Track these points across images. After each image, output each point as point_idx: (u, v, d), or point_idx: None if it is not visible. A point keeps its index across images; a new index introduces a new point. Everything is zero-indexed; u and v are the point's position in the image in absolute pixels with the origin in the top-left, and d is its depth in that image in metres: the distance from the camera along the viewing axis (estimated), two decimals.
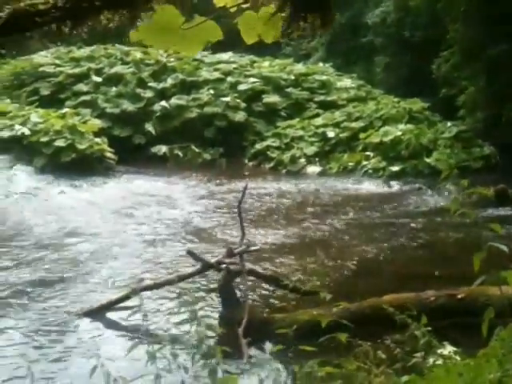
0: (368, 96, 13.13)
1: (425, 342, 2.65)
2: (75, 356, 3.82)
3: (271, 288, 5.17)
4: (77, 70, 12.96)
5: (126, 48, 14.14)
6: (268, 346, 4.02)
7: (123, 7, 1.40)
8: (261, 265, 5.64)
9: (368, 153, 10.54)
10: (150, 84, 12.49)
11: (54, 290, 5.20)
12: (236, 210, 7.61)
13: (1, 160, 10.30)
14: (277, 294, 5.08)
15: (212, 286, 5.00)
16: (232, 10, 1.47)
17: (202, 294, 4.99)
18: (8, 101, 13.27)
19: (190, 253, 4.91)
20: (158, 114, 11.87)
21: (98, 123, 11.06)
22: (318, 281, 4.76)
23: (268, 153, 11.47)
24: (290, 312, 4.43)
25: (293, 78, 13.46)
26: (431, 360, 2.53)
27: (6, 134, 10.71)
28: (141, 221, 7.53)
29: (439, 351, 2.66)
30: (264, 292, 5.17)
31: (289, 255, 6.19)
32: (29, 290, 5.18)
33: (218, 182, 9.99)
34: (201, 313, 4.54)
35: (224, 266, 4.77)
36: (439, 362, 2.41)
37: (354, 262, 5.92)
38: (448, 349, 2.75)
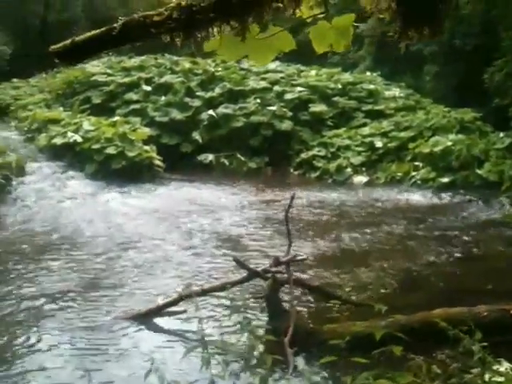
0: (417, 105, 12.91)
1: (479, 358, 2.56)
2: (128, 359, 3.88)
3: (317, 298, 5.12)
4: (127, 80, 13.28)
5: (175, 58, 14.44)
6: (315, 356, 3.97)
7: (235, 19, 1.42)
8: (307, 275, 5.60)
9: (417, 163, 10.34)
10: (198, 93, 12.66)
11: (103, 293, 5.30)
12: (282, 218, 7.68)
13: (54, 166, 10.65)
14: (322, 305, 5.03)
15: (258, 294, 4.98)
16: (308, 20, 1.51)
17: (247, 302, 4.97)
18: (61, 109, 13.75)
19: (237, 261, 4.93)
20: (205, 123, 12.01)
21: (147, 131, 11.28)
22: (366, 293, 4.69)
23: (314, 162, 11.41)
24: (337, 323, 4.37)
25: (340, 86, 13.38)
26: (487, 376, 2.44)
27: (59, 141, 11.08)
28: (187, 227, 7.60)
29: (495, 368, 2.57)
30: (310, 302, 5.12)
31: (335, 266, 6.12)
32: (78, 293, 5.30)
33: (263, 190, 10.00)
34: (244, 321, 4.54)
35: (270, 274, 4.77)
36: (497, 379, 2.32)
37: (403, 275, 5.81)
38: (504, 365, 2.66)
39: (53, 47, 1.57)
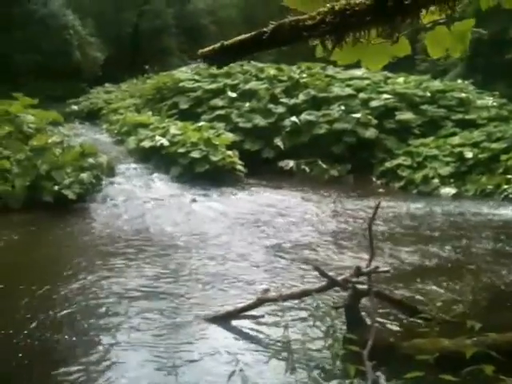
0: (511, 116, 12.25)
1: None
2: (209, 360, 3.91)
3: (398, 312, 4.93)
4: (214, 86, 13.58)
5: (260, 65, 14.59)
6: (396, 371, 3.81)
7: (390, 23, 1.45)
8: (388, 287, 5.41)
9: (509, 176, 9.77)
10: (281, 100, 12.71)
11: (182, 293, 5.39)
12: (363, 228, 7.50)
13: (141, 168, 11.08)
14: (403, 320, 4.83)
15: (337, 304, 4.87)
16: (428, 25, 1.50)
17: (326, 310, 4.88)
18: (150, 113, 14.29)
19: (317, 268, 4.84)
20: (287, 129, 12.02)
21: (230, 137, 11.46)
22: (452, 309, 4.46)
23: (398, 171, 11.08)
24: (420, 338, 4.18)
25: (428, 94, 12.96)
26: None
27: (147, 144, 11.52)
28: (267, 233, 7.61)
29: None
30: (390, 316, 4.93)
31: (418, 280, 5.87)
32: (158, 292, 5.42)
33: (344, 198, 9.84)
34: (324, 330, 4.46)
35: (350, 284, 4.65)
36: None
37: (491, 292, 5.48)
38: None
39: (201, 51, 1.66)
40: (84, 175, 8.89)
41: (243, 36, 1.57)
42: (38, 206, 8.33)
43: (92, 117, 19.10)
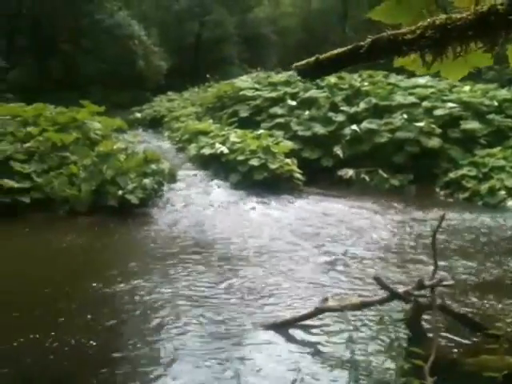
0: None
1: None
2: (271, 369, 3.90)
3: (462, 328, 4.74)
4: (274, 94, 13.64)
5: None
6: None
7: (492, 37, 1.46)
8: (452, 301, 5.22)
9: None
10: (342, 108, 12.59)
11: (237, 300, 5.40)
12: (426, 239, 7.29)
13: (201, 175, 11.25)
14: (468, 335, 4.65)
15: (398, 316, 4.75)
16: None
17: (387, 323, 4.76)
18: (210, 121, 14.52)
19: (377, 279, 4.74)
20: (347, 138, 11.89)
21: (289, 145, 11.45)
22: None
23: (463, 182, 10.72)
24: (484, 355, 4.00)
25: (495, 104, 12.49)
26: None
27: (207, 151, 11.70)
28: (324, 242, 7.52)
29: None
30: (454, 331, 4.76)
31: (484, 295, 5.64)
32: (215, 299, 5.45)
33: (405, 209, 9.60)
34: (386, 342, 4.35)
35: (413, 297, 4.53)
36: None
37: None
38: None
39: (296, 64, 1.72)
40: (147, 181, 9.12)
41: (339, 50, 1.61)
42: (102, 209, 8.61)
43: (155, 124, 19.62)
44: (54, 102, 12.23)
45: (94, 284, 5.70)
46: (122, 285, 5.72)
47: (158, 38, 30.53)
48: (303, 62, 1.68)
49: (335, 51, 1.63)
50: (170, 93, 24.24)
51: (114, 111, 17.47)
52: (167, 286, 5.69)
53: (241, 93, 14.34)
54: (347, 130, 12.00)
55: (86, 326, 4.75)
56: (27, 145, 9.36)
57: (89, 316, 4.94)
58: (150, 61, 27.94)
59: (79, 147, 9.91)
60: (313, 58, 1.65)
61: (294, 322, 4.81)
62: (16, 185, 8.50)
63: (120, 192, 8.75)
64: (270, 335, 4.59)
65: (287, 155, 11.00)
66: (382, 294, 4.76)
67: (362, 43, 1.54)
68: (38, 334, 4.53)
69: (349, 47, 1.58)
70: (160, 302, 5.29)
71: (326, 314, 4.82)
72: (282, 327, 4.76)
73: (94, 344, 4.40)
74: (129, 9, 31.04)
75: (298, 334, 4.64)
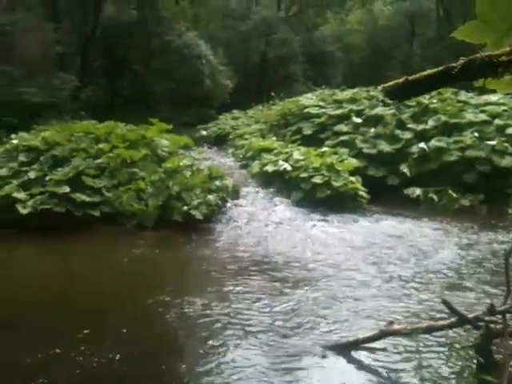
0: None
1: None
2: None
3: None
4: (339, 112, 13.54)
5: None
6: None
7: None
8: None
9: None
10: (409, 125, 12.32)
11: (299, 320, 5.34)
12: (497, 263, 6.96)
13: (264, 192, 11.29)
14: None
15: (466, 342, 4.54)
16: None
17: (455, 348, 4.57)
18: (274, 138, 14.59)
19: (446, 303, 4.55)
20: (414, 156, 11.59)
21: (354, 162, 11.31)
22: None
23: None
24: None
25: None
26: None
27: (270, 168, 11.75)
28: (389, 262, 7.33)
29: None
30: None
31: None
32: (275, 317, 5.41)
33: (475, 230, 9.21)
34: (454, 369, 4.16)
35: (483, 323, 4.32)
36: None
37: None
38: None
39: (384, 85, 1.73)
40: (211, 197, 9.25)
41: (429, 71, 1.59)
42: (168, 224, 8.80)
43: (219, 141, 19.97)
44: (124, 119, 12.69)
45: (151, 298, 5.82)
46: (178, 299, 5.80)
47: (224, 57, 31.19)
48: (392, 82, 1.67)
49: (425, 72, 1.61)
50: (234, 111, 24.65)
51: (181, 129, 17.96)
52: (225, 306, 5.70)
53: (305, 110, 14.33)
54: (414, 148, 11.71)
55: (137, 339, 4.84)
56: (98, 161, 9.74)
57: (137, 330, 5.03)
58: (217, 80, 28.56)
59: (147, 163, 10.21)
60: (401, 79, 1.64)
61: (356, 344, 4.70)
62: (87, 199, 8.85)
63: (185, 207, 8.92)
64: (332, 356, 4.50)
65: (352, 173, 10.85)
66: (451, 318, 4.58)
67: (453, 64, 1.51)
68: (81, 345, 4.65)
69: (440, 68, 1.55)
70: (216, 322, 5.30)
71: (392, 337, 4.69)
72: (344, 349, 4.67)
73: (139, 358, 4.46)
74: (197, 29, 31.96)
75: (361, 356, 4.53)
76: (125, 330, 5.05)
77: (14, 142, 10.30)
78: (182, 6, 34.68)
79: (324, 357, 4.28)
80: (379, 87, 1.75)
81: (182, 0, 35.37)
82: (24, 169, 9.37)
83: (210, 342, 4.83)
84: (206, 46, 28.90)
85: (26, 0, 22.83)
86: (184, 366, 4.47)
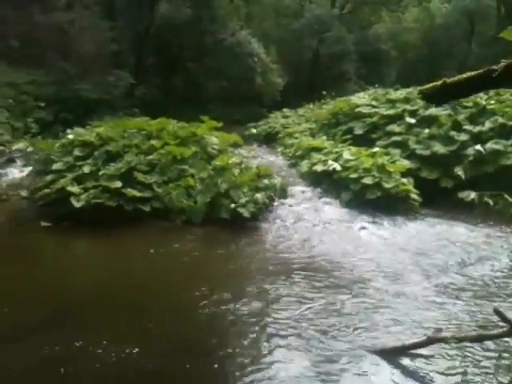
0: None
1: None
2: None
3: None
4: (391, 112, 13.26)
5: None
6: None
7: None
8: None
9: None
10: (465, 127, 11.92)
11: (345, 324, 5.26)
12: None
13: (312, 191, 11.20)
14: None
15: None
16: None
17: (504, 359, 4.39)
18: (324, 138, 14.46)
19: (498, 312, 4.38)
20: (470, 158, 11.20)
21: (406, 164, 11.05)
22: None
23: None
24: None
25: None
26: None
27: (319, 168, 11.64)
28: (440, 268, 7.11)
29: None
30: None
31: None
32: (319, 319, 5.35)
33: None
34: (504, 381, 4.00)
35: None
36: None
37: None
38: None
39: (421, 88, 1.66)
40: (259, 195, 9.25)
41: (468, 74, 1.48)
42: (215, 221, 8.86)
43: (269, 140, 19.97)
44: (176, 117, 12.86)
45: (194, 294, 5.87)
46: (219, 300, 5.80)
47: (276, 56, 31.18)
48: (430, 85, 1.58)
49: (464, 75, 1.49)
50: (285, 109, 24.59)
51: (232, 127, 18.06)
52: (266, 306, 5.68)
53: (357, 110, 14.12)
54: (470, 150, 11.32)
55: (174, 336, 4.87)
56: (150, 157, 9.91)
57: (177, 326, 5.06)
58: (268, 78, 28.60)
59: (197, 161, 10.31)
60: (439, 82, 1.54)
61: (403, 350, 4.59)
62: (138, 194, 9.01)
63: (233, 205, 8.95)
64: (378, 361, 4.42)
65: (403, 174, 10.59)
66: (502, 327, 4.40)
67: (494, 67, 1.38)
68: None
69: (479, 71, 1.43)
70: (256, 322, 5.27)
71: (439, 344, 4.55)
72: (390, 354, 4.57)
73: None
74: (250, 27, 32.07)
75: (407, 362, 4.42)
76: (163, 326, 5.11)
77: (70, 137, 10.60)
78: (236, 5, 34.88)
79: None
80: (417, 90, 1.67)
81: None
82: (79, 163, 9.63)
83: (249, 342, 4.82)
84: (258, 44, 28.99)
85: None
86: (222, 365, 4.47)
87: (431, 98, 1.59)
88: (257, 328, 5.12)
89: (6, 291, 6.04)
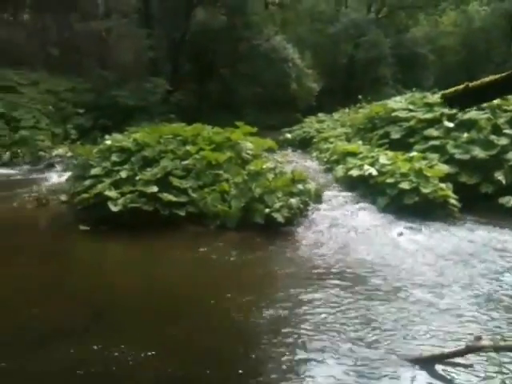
0: None
1: None
2: None
3: None
4: (429, 116, 13.02)
5: None
6: None
7: None
8: None
9: None
10: (505, 131, 11.61)
11: (382, 331, 5.17)
12: None
13: (347, 196, 11.09)
14: None
15: None
16: None
17: None
18: (360, 142, 14.31)
19: None
20: (510, 163, 10.90)
21: (444, 169, 10.81)
22: None
23: None
24: None
25: None
26: None
27: (354, 173, 11.52)
28: (481, 276, 6.91)
29: None
30: None
31: None
32: (354, 328, 5.27)
33: None
34: None
35: None
36: None
37: None
38: None
39: (444, 92, 1.60)
40: (293, 200, 9.21)
41: (492, 77, 1.41)
42: (249, 226, 8.85)
43: (304, 145, 19.90)
44: (211, 122, 12.95)
45: (227, 300, 5.88)
46: (253, 305, 5.78)
47: (311, 60, 31.11)
48: (452, 89, 1.51)
49: (487, 78, 1.41)
50: (320, 114, 24.47)
51: (266, 132, 18.08)
52: (300, 313, 5.63)
53: (393, 114, 13.92)
54: (510, 155, 11.02)
55: (203, 343, 4.85)
56: (185, 162, 9.99)
57: (209, 333, 5.04)
58: (303, 83, 28.55)
59: (231, 166, 10.34)
60: (461, 86, 1.46)
61: (440, 359, 4.47)
62: (174, 199, 9.09)
63: (267, 210, 8.93)
64: (415, 369, 4.32)
65: (442, 179, 10.37)
66: None
67: None
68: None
69: (503, 74, 1.36)
70: (290, 330, 5.20)
71: (478, 353, 4.41)
72: (427, 362, 4.46)
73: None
74: (285, 33, 32.11)
75: (444, 371, 4.31)
76: (189, 331, 5.12)
77: (108, 142, 10.79)
78: (271, 11, 35.00)
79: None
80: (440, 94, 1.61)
81: (272, 5, 35.69)
82: (116, 168, 9.79)
83: (278, 350, 4.77)
84: (293, 49, 28.98)
85: (121, 7, 24.01)
86: (248, 373, 4.44)
87: (454, 102, 1.53)
88: (287, 336, 5.06)
89: (45, 291, 6.19)
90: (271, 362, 4.58)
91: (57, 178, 13.28)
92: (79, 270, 7.23)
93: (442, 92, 1.58)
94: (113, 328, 5.22)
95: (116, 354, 4.59)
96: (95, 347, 4.71)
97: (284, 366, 4.50)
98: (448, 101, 1.55)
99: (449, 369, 4.38)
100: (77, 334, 5.03)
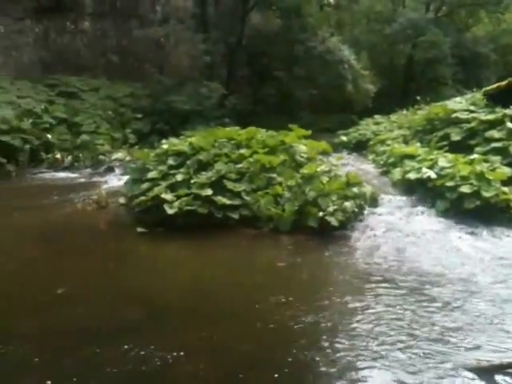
0: None
1: None
2: None
3: None
4: (491, 117, 12.55)
5: None
6: None
7: None
8: None
9: None
10: None
11: (436, 339, 4.99)
12: None
13: (404, 200, 10.83)
14: None
15: None
16: None
17: None
18: (418, 145, 13.96)
19: None
20: None
21: (507, 171, 10.38)
22: None
23: None
24: None
25: None
26: None
27: (412, 176, 11.24)
28: None
29: None
30: None
31: None
32: (406, 333, 5.10)
33: None
34: None
35: None
36: None
37: None
38: None
39: (486, 88, 1.51)
40: (347, 204, 9.07)
41: None
42: (302, 230, 8.78)
43: (359, 147, 19.64)
44: (265, 126, 12.98)
45: (268, 305, 5.82)
46: (304, 312, 5.71)
47: (367, 62, 30.67)
48: (494, 86, 1.41)
49: None
50: (376, 116, 24.08)
51: (321, 134, 17.96)
52: (352, 320, 5.51)
53: (453, 115, 13.51)
54: None
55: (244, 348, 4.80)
56: (239, 165, 10.05)
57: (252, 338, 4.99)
58: (359, 84, 28.17)
59: (285, 169, 10.32)
60: (504, 82, 1.36)
61: (500, 369, 4.29)
62: (228, 202, 9.16)
63: (320, 213, 8.84)
64: (473, 378, 4.15)
65: (504, 183, 9.95)
66: None
67: None
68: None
69: None
70: (337, 337, 5.09)
71: None
72: (486, 372, 4.29)
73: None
74: (340, 34, 31.82)
75: (503, 381, 4.12)
76: (235, 334, 5.11)
77: (164, 146, 11.02)
78: (326, 12, 34.78)
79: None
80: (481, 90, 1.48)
81: (327, 6, 35.48)
82: (172, 172, 9.97)
83: (325, 358, 4.68)
84: (349, 50, 28.66)
85: (178, 13, 24.48)
86: (285, 381, 4.37)
87: (496, 98, 1.42)
88: (334, 343, 4.95)
89: (101, 290, 6.37)
90: (311, 368, 4.51)
91: (116, 181, 13.67)
92: (135, 270, 7.39)
93: (484, 88, 1.47)
94: (155, 328, 5.28)
95: (142, 352, 4.64)
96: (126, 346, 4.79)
97: (328, 376, 4.42)
98: (490, 97, 1.45)
99: (508, 379, 4.20)
100: (131, 332, 5.13)
